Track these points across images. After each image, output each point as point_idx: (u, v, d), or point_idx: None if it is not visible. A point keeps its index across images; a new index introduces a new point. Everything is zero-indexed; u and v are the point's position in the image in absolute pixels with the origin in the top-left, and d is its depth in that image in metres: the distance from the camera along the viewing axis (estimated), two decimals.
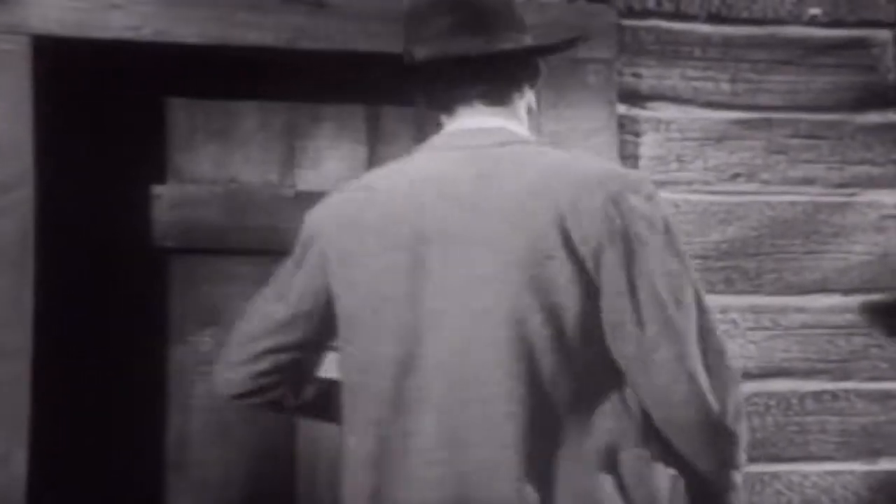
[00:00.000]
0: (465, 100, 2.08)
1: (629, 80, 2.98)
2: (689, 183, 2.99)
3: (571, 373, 1.87)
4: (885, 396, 3.01)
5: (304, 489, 2.98)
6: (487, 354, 1.88)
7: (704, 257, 2.97)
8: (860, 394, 3.01)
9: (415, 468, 1.90)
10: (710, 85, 3.03)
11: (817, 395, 2.99)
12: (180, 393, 2.96)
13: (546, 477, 1.85)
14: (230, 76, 3.00)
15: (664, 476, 1.92)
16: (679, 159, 2.99)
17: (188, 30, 2.84)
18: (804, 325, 3.01)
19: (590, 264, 1.87)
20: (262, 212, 3.01)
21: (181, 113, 3.02)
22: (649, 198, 1.93)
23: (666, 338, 1.85)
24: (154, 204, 2.96)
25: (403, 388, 1.93)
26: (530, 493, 1.84)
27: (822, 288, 3.03)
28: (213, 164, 3.03)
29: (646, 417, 1.90)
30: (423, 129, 3.11)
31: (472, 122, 2.07)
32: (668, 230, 1.92)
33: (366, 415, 1.97)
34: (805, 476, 2.97)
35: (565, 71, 2.91)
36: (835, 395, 3.00)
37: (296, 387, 2.16)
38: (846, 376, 3.02)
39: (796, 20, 3.06)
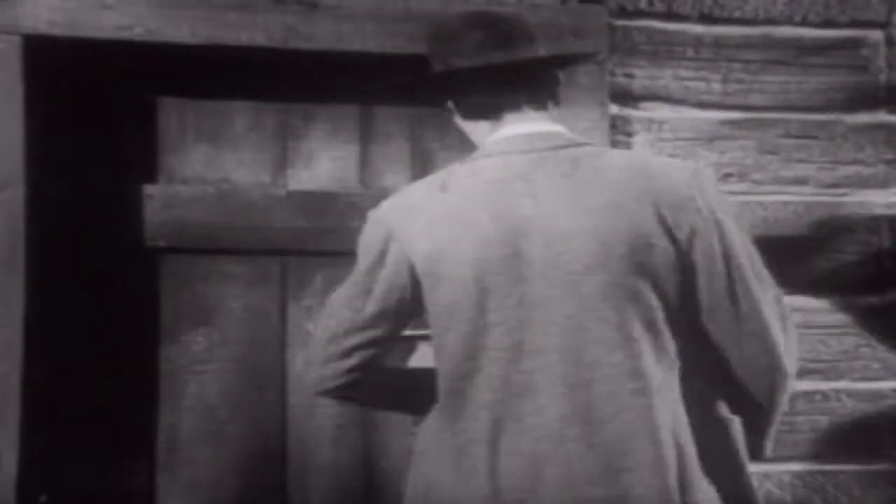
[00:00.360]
0: (514, 106, 2.20)
1: (621, 80, 2.98)
2: None
3: (675, 347, 2.09)
4: (877, 396, 3.02)
5: (295, 489, 2.98)
6: (602, 336, 2.05)
7: None
8: (851, 394, 3.02)
9: (538, 445, 2.03)
10: (701, 85, 3.03)
11: (809, 395, 2.99)
12: (172, 393, 2.95)
13: (675, 441, 2.05)
14: (222, 76, 2.99)
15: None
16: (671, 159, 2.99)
17: (180, 30, 2.84)
18: (796, 325, 3.01)
19: (685, 248, 2.07)
20: (255, 212, 3.01)
21: (173, 113, 3.02)
22: (716, 185, 2.16)
23: (755, 312, 2.09)
24: (145, 203, 2.96)
25: (514, 373, 2.06)
26: (669, 456, 2.03)
27: (814, 288, 3.03)
28: (204, 163, 3.03)
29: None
30: (417, 130, 3.11)
31: (525, 127, 2.19)
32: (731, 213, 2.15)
33: (476, 400, 2.06)
34: (797, 475, 2.97)
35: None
36: (826, 395, 3.00)
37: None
38: (838, 376, 3.02)
39: (788, 20, 3.07)
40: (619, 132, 2.97)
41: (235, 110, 3.04)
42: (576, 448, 2.04)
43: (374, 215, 2.22)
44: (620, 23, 2.99)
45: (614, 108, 2.96)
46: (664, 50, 3.00)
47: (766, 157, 3.03)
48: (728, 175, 3.02)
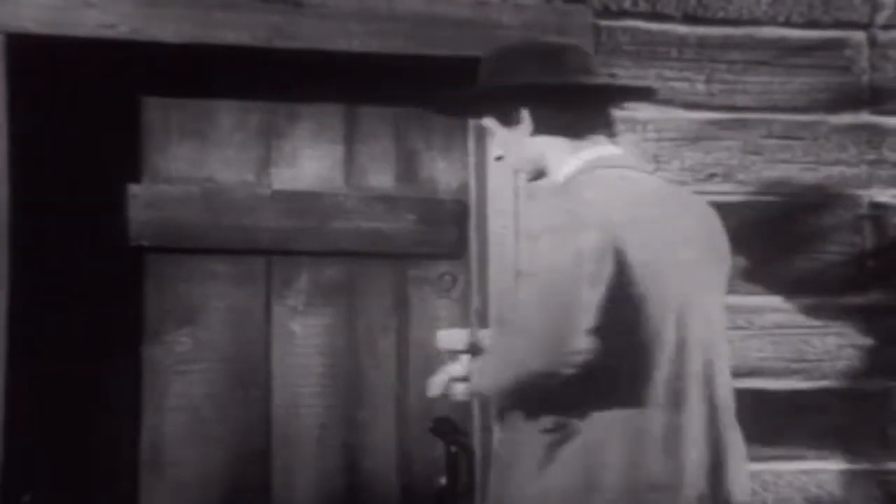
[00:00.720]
0: (599, 129, 2.39)
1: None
2: None
3: None
4: (859, 396, 3.03)
5: (280, 488, 2.98)
6: (720, 340, 2.33)
7: None
8: (834, 393, 3.03)
9: (686, 449, 2.23)
10: (686, 85, 3.03)
11: (791, 395, 3.01)
12: (156, 393, 2.95)
13: None
14: (207, 75, 2.99)
15: None
16: (656, 159, 3.00)
17: (164, 28, 2.83)
18: (779, 325, 3.03)
19: None
20: (239, 211, 3.00)
21: (157, 112, 3.01)
22: None
23: None
24: (130, 203, 2.96)
25: (680, 372, 2.24)
26: None
27: (797, 288, 3.04)
28: (189, 163, 3.02)
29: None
30: (402, 130, 3.11)
31: (611, 148, 2.38)
32: None
33: (652, 397, 2.21)
34: (779, 475, 2.98)
35: None
36: (809, 395, 3.01)
37: None
38: (821, 376, 3.03)
39: (772, 21, 3.07)
40: None
41: (220, 109, 3.03)
42: (703, 454, 2.26)
43: (577, 205, 2.22)
44: (605, 23, 2.99)
45: None
46: (648, 50, 3.01)
47: (749, 158, 3.03)
48: (712, 175, 3.03)
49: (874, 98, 3.09)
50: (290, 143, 3.06)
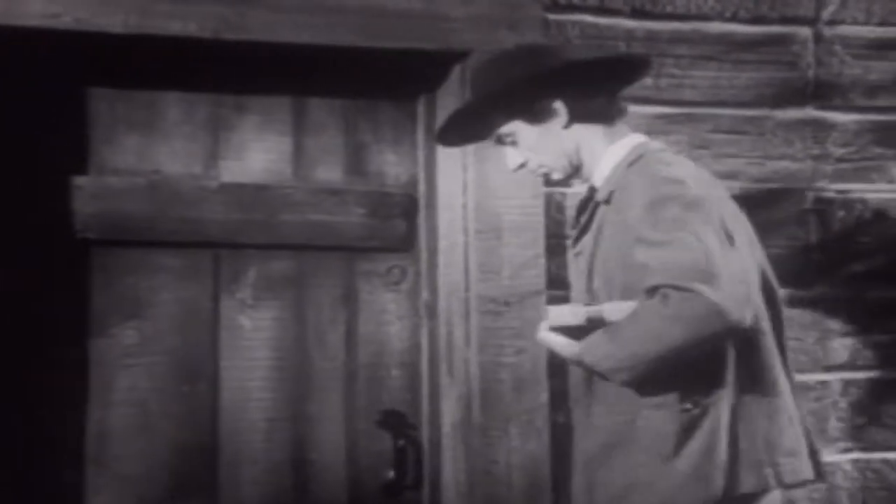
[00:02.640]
0: (622, 114, 2.42)
1: None
2: None
3: None
4: (804, 389, 3.05)
5: (227, 483, 2.96)
6: None
7: None
8: None
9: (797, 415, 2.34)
10: None
11: None
12: (102, 386, 2.92)
13: None
14: (154, 66, 2.96)
15: None
16: None
17: (111, 19, 2.80)
18: None
19: None
20: (187, 203, 2.98)
21: (103, 103, 2.98)
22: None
23: None
24: (75, 195, 2.93)
25: (780, 340, 2.36)
26: None
27: None
28: (136, 155, 2.99)
29: None
30: (351, 122, 3.10)
31: (640, 136, 2.42)
32: None
33: (777, 367, 2.31)
34: None
35: None
36: None
37: None
38: None
39: (719, 16, 3.09)
40: None
41: (167, 101, 3.01)
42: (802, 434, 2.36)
43: (687, 179, 2.24)
44: (554, 17, 2.99)
45: None
46: (597, 44, 3.01)
47: (697, 152, 3.05)
48: None
49: (819, 93, 3.12)
50: (238, 136, 3.05)
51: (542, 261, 2.93)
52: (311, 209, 3.03)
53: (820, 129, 3.12)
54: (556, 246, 2.96)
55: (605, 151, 2.36)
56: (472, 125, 2.45)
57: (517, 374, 2.90)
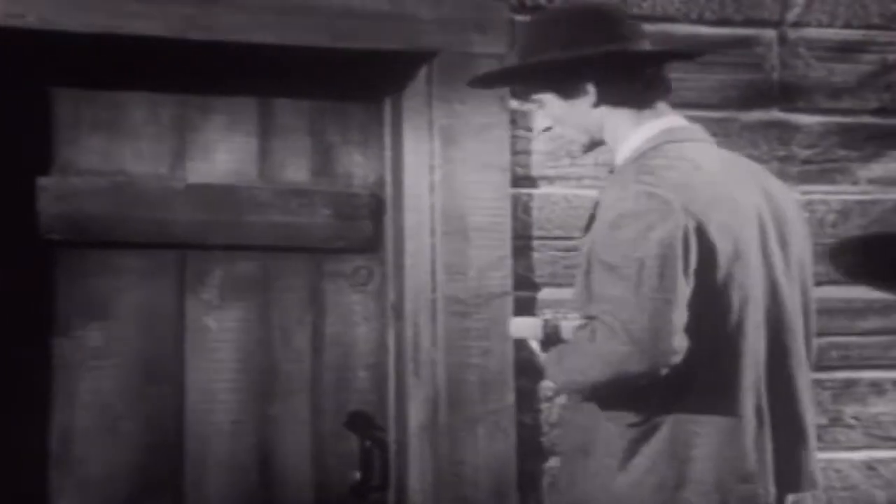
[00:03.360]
0: (665, 97, 2.35)
1: None
2: (580, 178, 3.02)
3: None
4: None
5: (192, 485, 2.95)
6: (795, 320, 2.32)
7: None
8: None
9: (771, 437, 2.23)
10: None
11: None
12: (66, 388, 2.91)
13: None
14: (118, 66, 2.94)
15: None
16: (570, 155, 3.01)
17: (74, 18, 2.78)
18: None
19: None
20: (152, 204, 2.97)
21: (67, 104, 2.97)
22: None
23: None
24: (40, 196, 2.90)
25: (760, 359, 2.23)
26: None
27: None
28: (100, 156, 2.98)
29: None
30: (318, 124, 3.10)
31: (675, 118, 2.34)
32: None
33: (741, 387, 2.19)
34: None
35: (458, 65, 2.92)
36: None
37: None
38: None
39: (685, 18, 3.10)
40: (519, 127, 2.99)
41: (132, 102, 2.99)
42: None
43: (657, 190, 2.15)
44: (521, 18, 2.99)
45: (514, 104, 2.97)
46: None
47: None
48: None
49: (784, 95, 3.14)
50: (204, 136, 3.03)
51: (509, 262, 2.94)
52: (277, 210, 3.03)
53: (785, 131, 3.14)
54: (522, 247, 2.96)
55: (629, 134, 2.32)
56: (507, 79, 2.53)
57: (484, 375, 2.90)
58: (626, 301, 2.07)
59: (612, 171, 2.39)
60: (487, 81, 2.59)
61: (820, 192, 3.15)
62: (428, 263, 2.94)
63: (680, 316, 2.08)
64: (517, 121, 2.98)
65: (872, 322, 3.13)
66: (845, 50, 3.19)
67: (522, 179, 2.98)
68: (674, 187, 2.15)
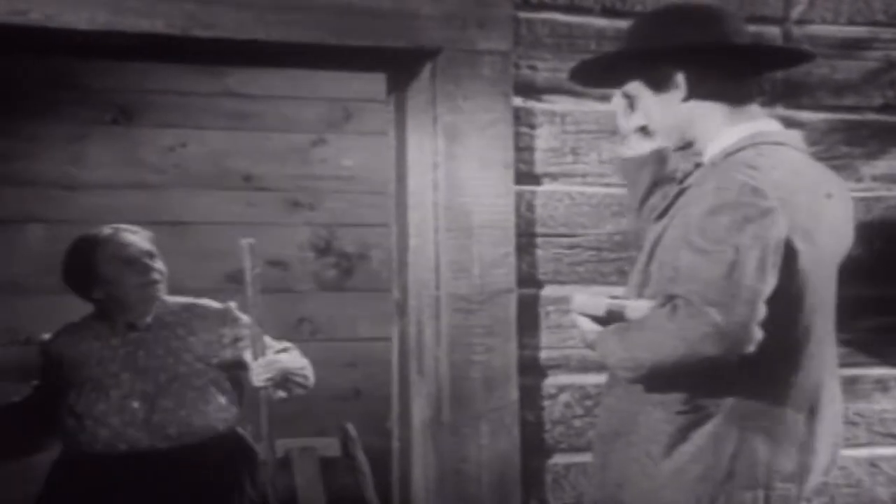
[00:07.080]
0: (754, 97, 2.34)
1: (525, 72, 2.98)
2: (584, 175, 3.01)
3: None
4: None
5: None
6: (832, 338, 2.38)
7: (598, 249, 3.00)
8: None
9: (819, 443, 2.28)
10: None
11: None
12: None
13: None
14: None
15: None
16: (574, 152, 3.01)
17: (78, 15, 2.77)
18: None
19: None
20: None
21: None
22: None
23: None
24: None
25: (820, 370, 2.30)
26: None
27: None
28: None
29: None
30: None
31: (769, 121, 2.34)
32: None
33: (793, 394, 2.23)
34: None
35: (462, 63, 2.91)
36: None
37: None
38: None
39: None
40: (522, 124, 2.98)
41: None
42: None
43: (760, 184, 2.15)
44: (524, 15, 2.99)
45: (518, 101, 2.96)
46: (567, 43, 3.01)
47: None
48: None
49: (788, 92, 3.13)
50: None
51: (513, 259, 2.93)
52: None
53: (789, 128, 3.13)
54: (526, 244, 2.96)
55: (722, 131, 2.31)
56: (605, 73, 2.48)
57: (487, 373, 2.90)
58: (717, 284, 2.08)
59: (698, 165, 2.39)
60: (585, 77, 2.55)
61: None
62: (431, 261, 2.94)
63: (762, 308, 2.10)
64: (521, 118, 2.97)
65: (877, 319, 3.13)
66: (849, 47, 3.18)
67: (526, 176, 2.97)
68: (775, 186, 2.16)
